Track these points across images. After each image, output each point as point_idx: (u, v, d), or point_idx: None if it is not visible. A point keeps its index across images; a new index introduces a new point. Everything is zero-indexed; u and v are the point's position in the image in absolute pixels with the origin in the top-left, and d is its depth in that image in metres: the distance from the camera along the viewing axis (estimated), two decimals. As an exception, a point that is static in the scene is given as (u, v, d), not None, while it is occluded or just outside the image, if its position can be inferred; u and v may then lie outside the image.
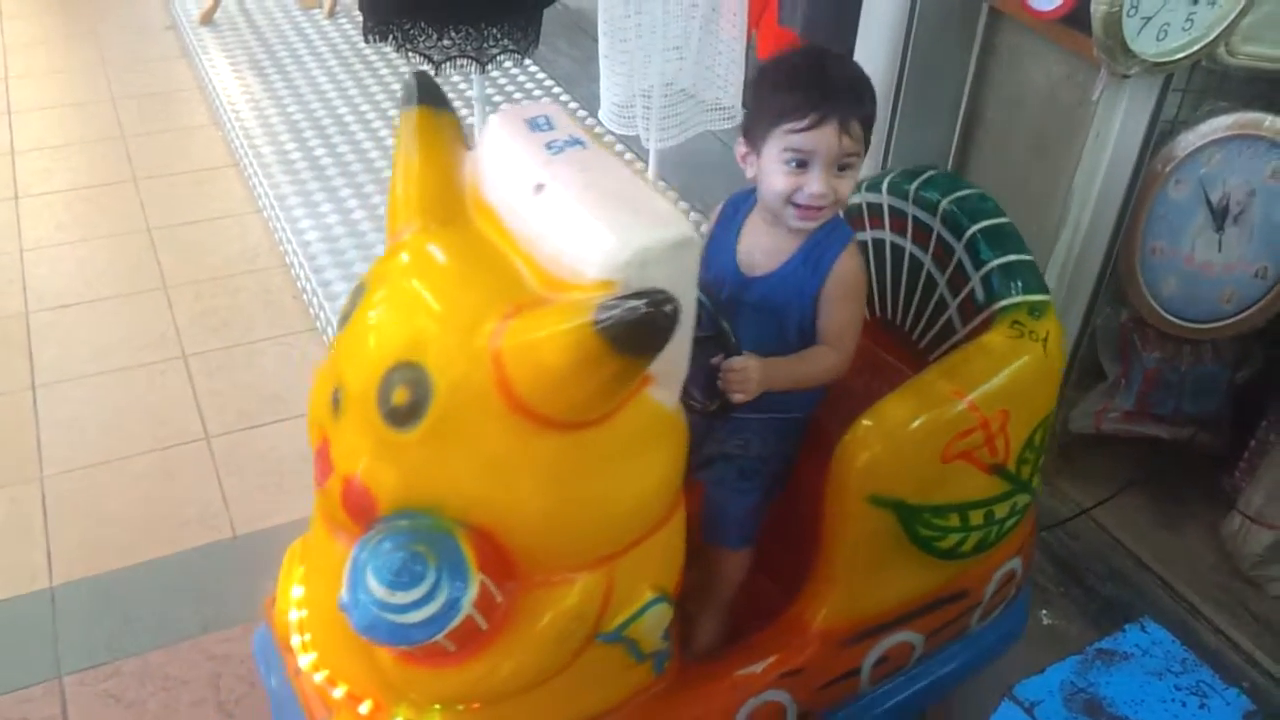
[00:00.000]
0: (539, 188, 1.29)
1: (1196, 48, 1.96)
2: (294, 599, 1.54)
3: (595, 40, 2.93)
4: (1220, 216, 2.22)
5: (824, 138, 1.47)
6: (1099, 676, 1.19)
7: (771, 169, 1.52)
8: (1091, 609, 2.29)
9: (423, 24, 2.72)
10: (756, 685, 1.61)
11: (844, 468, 1.54)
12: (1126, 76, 1.99)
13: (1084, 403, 2.51)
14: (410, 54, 2.79)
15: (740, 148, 1.58)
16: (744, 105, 1.59)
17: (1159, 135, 2.13)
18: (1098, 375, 2.50)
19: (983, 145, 2.42)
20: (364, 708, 1.43)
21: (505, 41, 2.82)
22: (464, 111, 4.09)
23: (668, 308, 1.11)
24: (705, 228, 1.73)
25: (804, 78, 1.50)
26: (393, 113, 4.17)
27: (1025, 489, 1.66)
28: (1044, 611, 2.28)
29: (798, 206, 1.52)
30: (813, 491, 1.62)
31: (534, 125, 1.36)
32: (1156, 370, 2.41)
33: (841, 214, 1.62)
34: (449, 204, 1.40)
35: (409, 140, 1.43)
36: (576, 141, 1.34)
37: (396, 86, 4.38)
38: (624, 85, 2.91)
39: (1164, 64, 1.97)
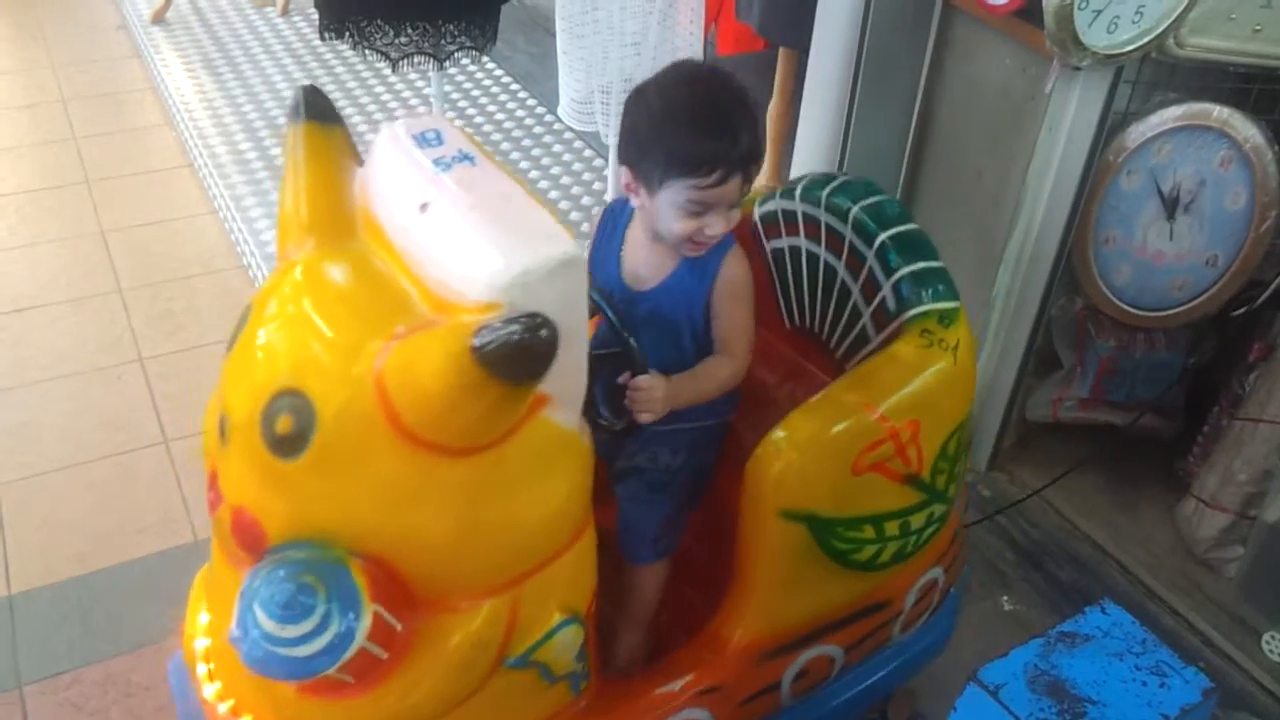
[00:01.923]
0: (424, 206, 1.26)
1: (1146, 40, 1.99)
2: (200, 626, 1.51)
3: (553, 36, 2.92)
4: (1171, 206, 2.25)
5: (728, 190, 1.45)
6: (1061, 658, 1.21)
7: (668, 213, 1.48)
8: (1051, 594, 2.32)
9: (379, 21, 2.70)
10: (675, 703, 1.60)
11: (755, 482, 1.53)
12: (1078, 69, 2.02)
13: (1040, 391, 2.55)
14: (367, 51, 2.78)
15: (624, 177, 1.53)
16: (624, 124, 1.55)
17: (1110, 126, 2.16)
18: (1054, 364, 2.53)
19: (938, 138, 2.45)
20: None
21: (463, 39, 2.81)
22: (422, 109, 4.08)
23: (543, 332, 1.09)
24: (589, 227, 1.72)
25: (707, 131, 1.43)
26: (349, 110, 4.14)
27: (941, 499, 1.65)
28: (1005, 598, 2.31)
29: (694, 242, 1.51)
30: (733, 503, 1.61)
31: (422, 140, 1.32)
32: (1111, 358, 2.45)
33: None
34: (338, 222, 1.36)
35: (296, 156, 1.38)
36: (465, 157, 1.30)
37: (352, 85, 4.35)
38: (582, 81, 2.91)
39: (1115, 56, 2.00)
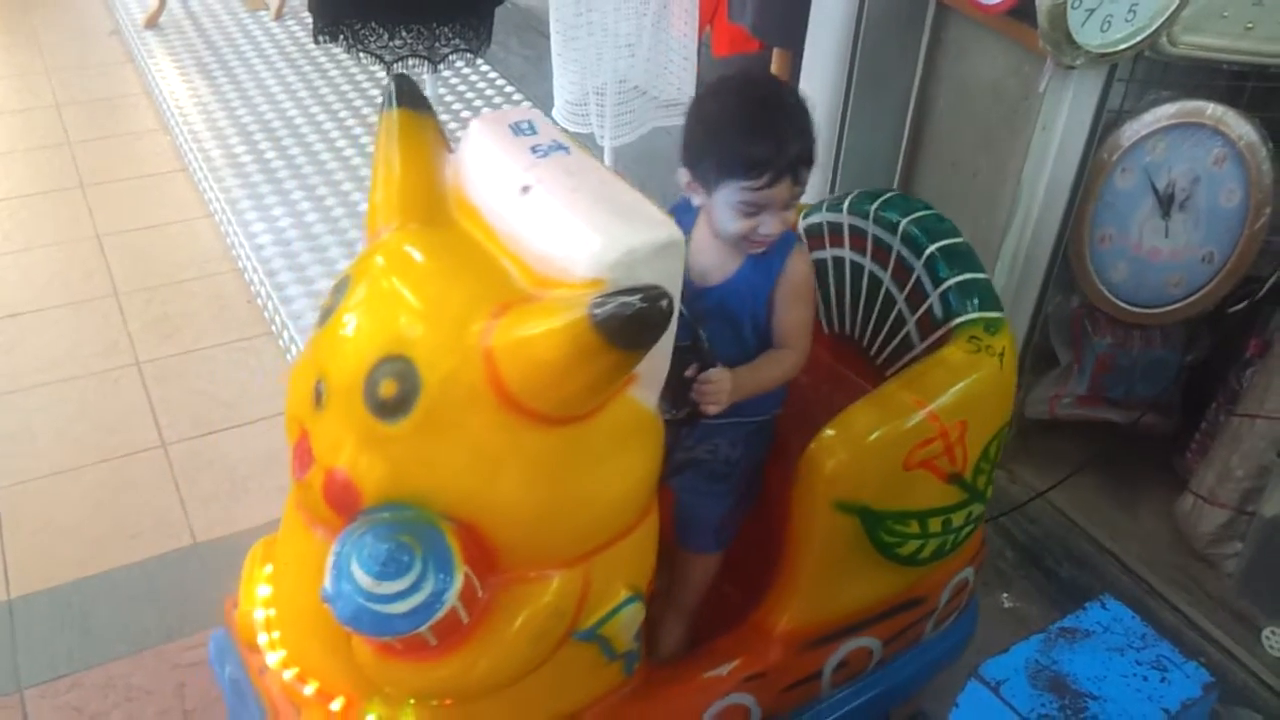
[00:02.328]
0: (525, 189, 1.32)
1: (1139, 38, 1.99)
2: (259, 598, 1.54)
3: (547, 38, 2.92)
4: (1166, 203, 2.26)
5: (779, 192, 1.50)
6: (1062, 654, 1.22)
7: (724, 213, 1.54)
8: (1051, 590, 2.32)
9: (373, 24, 2.71)
10: (722, 688, 1.64)
11: (811, 474, 1.58)
12: (1072, 68, 2.03)
13: (1038, 389, 2.55)
14: (361, 54, 2.78)
15: (684, 176, 1.59)
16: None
17: (1105, 125, 2.17)
18: (1051, 362, 2.54)
19: (933, 138, 2.45)
20: (335, 705, 1.43)
21: (457, 41, 2.81)
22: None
23: (663, 302, 1.15)
24: None
25: (758, 132, 1.50)
26: (343, 114, 4.14)
27: (980, 498, 1.72)
28: (1005, 595, 2.31)
29: (751, 240, 1.56)
30: (774, 499, 1.66)
31: (517, 130, 1.39)
32: (1108, 355, 2.45)
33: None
34: (431, 205, 1.42)
35: (389, 142, 1.44)
36: (560, 147, 1.37)
37: (346, 88, 4.35)
38: (577, 83, 2.91)
39: (1108, 55, 2.00)
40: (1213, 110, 2.17)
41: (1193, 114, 2.18)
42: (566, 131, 1.44)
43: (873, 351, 1.86)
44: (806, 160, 1.52)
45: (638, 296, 1.14)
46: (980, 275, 1.75)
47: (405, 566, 1.20)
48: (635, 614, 1.44)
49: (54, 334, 3.07)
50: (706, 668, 1.65)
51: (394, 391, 1.25)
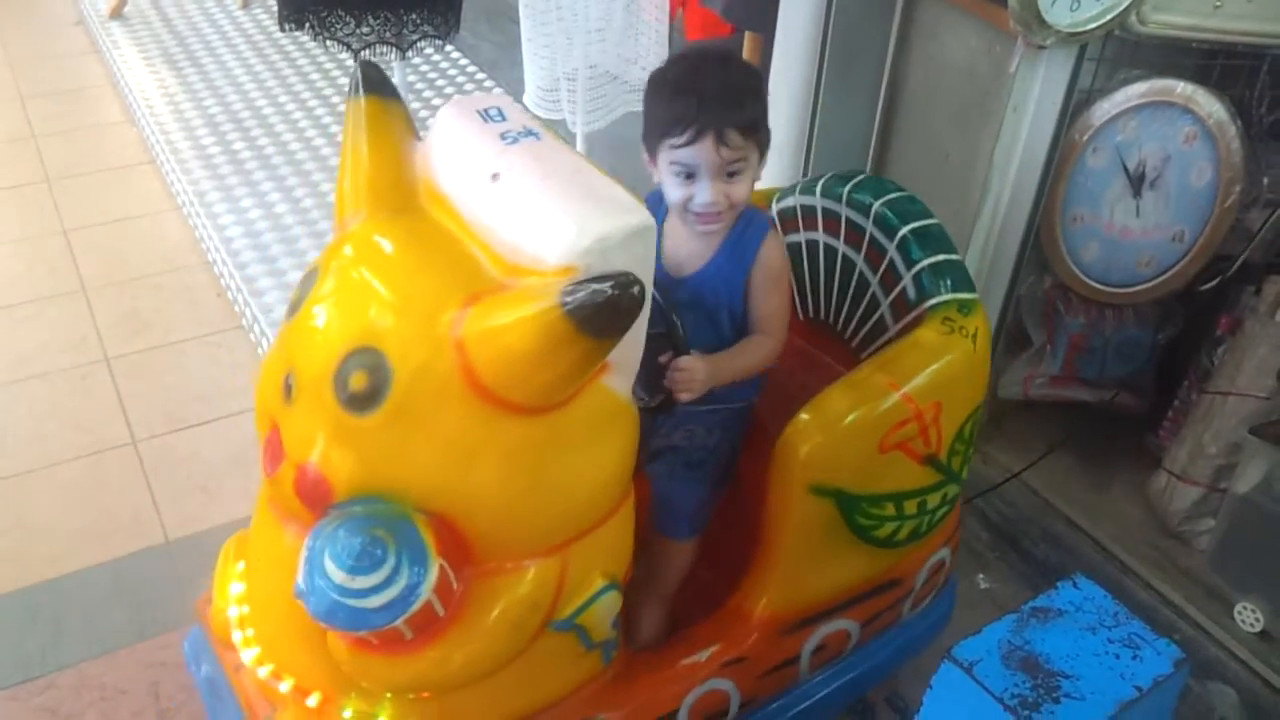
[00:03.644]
0: (495, 176, 1.31)
1: (1109, 17, 1.99)
2: (233, 595, 1.53)
3: (518, 24, 2.90)
4: (1137, 183, 2.27)
5: (702, 152, 1.48)
6: (1034, 634, 1.22)
7: (666, 179, 1.54)
8: (1027, 571, 2.33)
9: (340, 11, 2.68)
10: (701, 674, 1.64)
11: (787, 458, 1.58)
12: (1042, 47, 2.03)
13: (1012, 369, 2.56)
14: (327, 42, 2.75)
15: (644, 154, 1.59)
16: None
17: (1075, 105, 2.17)
18: (1024, 343, 2.55)
19: (905, 119, 2.45)
20: (312, 700, 1.42)
21: (425, 27, 2.78)
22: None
23: (634, 289, 1.15)
24: None
25: (679, 90, 1.50)
26: (312, 103, 4.10)
27: (955, 479, 1.72)
28: (980, 576, 2.32)
29: (695, 214, 1.54)
30: (751, 484, 1.66)
31: (487, 116, 1.38)
32: (1081, 335, 2.46)
33: (771, 210, 1.64)
34: (400, 193, 1.41)
35: (357, 130, 1.43)
36: (530, 133, 1.36)
37: (315, 76, 4.31)
38: (547, 69, 2.89)
39: (1078, 34, 2.00)
40: (1182, 89, 2.18)
41: (1163, 93, 2.18)
42: (537, 117, 1.43)
43: (847, 335, 1.86)
44: (740, 126, 1.49)
45: (609, 284, 1.13)
46: (953, 256, 1.74)
47: (379, 560, 1.19)
48: (612, 602, 1.44)
49: (22, 331, 3.03)
50: (685, 654, 1.65)
51: (365, 384, 1.24)
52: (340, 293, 1.33)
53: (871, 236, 1.77)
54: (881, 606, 1.80)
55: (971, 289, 1.73)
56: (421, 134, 1.48)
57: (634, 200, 1.28)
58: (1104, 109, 2.19)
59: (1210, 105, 2.18)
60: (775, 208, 1.91)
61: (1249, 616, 2.17)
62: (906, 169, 2.48)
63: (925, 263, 1.71)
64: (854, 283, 1.82)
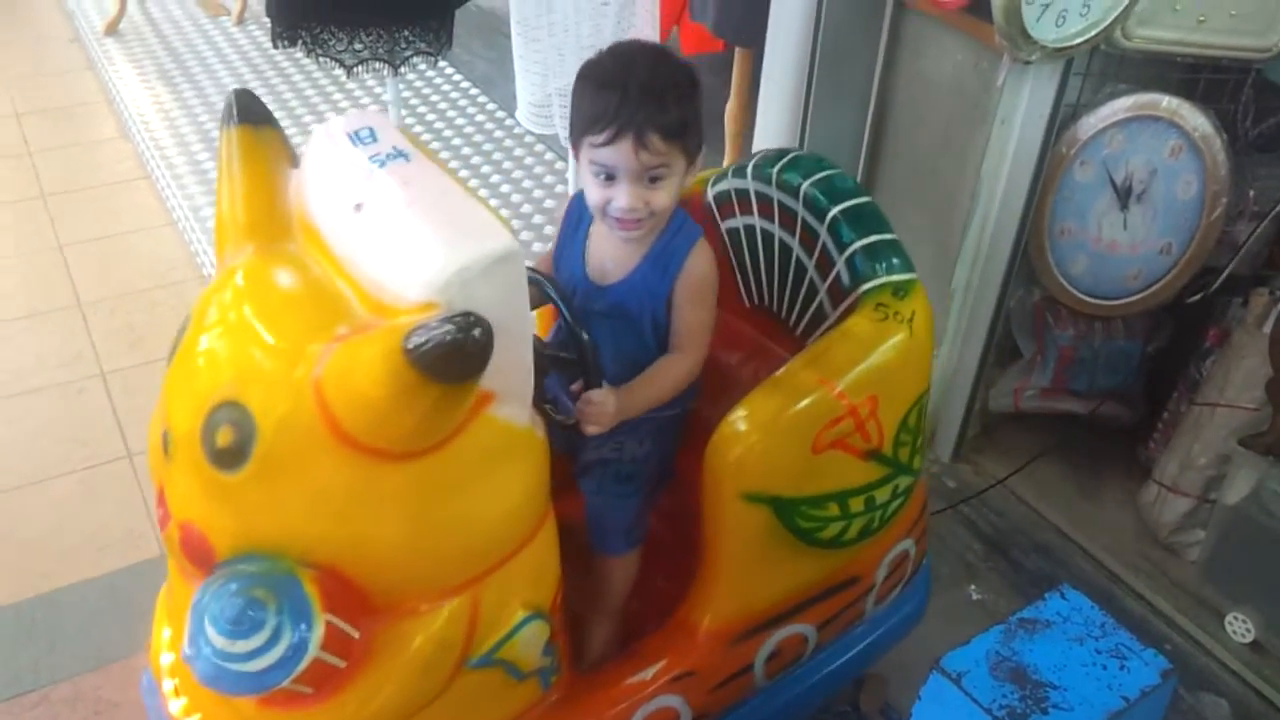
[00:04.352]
0: (359, 206, 1.25)
1: (1094, 32, 2.02)
2: (164, 641, 1.50)
3: (510, 39, 2.92)
4: (1124, 196, 2.29)
5: (621, 154, 1.41)
6: (1022, 645, 1.23)
7: (585, 179, 1.48)
8: (1019, 582, 2.34)
9: (333, 28, 2.69)
10: (648, 691, 1.60)
11: (715, 466, 1.52)
12: (1028, 63, 2.05)
13: (1002, 382, 2.57)
14: (321, 58, 2.77)
15: (572, 151, 1.52)
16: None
17: (1062, 119, 2.19)
18: (1015, 355, 2.56)
19: (894, 134, 2.47)
20: None
21: (418, 44, 2.80)
22: (374, 108, 4.06)
23: (476, 331, 1.08)
24: (552, 230, 1.71)
25: (603, 84, 1.42)
26: (307, 119, 4.12)
27: (906, 471, 1.65)
28: (972, 587, 2.33)
29: (615, 219, 1.47)
30: (696, 487, 1.59)
31: (356, 139, 1.30)
32: (1071, 348, 2.48)
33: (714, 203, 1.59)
34: (275, 225, 1.35)
35: (231, 161, 1.37)
36: (400, 154, 1.28)
37: (310, 92, 4.33)
38: (539, 84, 2.90)
39: (1063, 49, 2.02)
40: (1168, 103, 2.20)
41: (1148, 106, 2.20)
42: (409, 135, 1.35)
43: (791, 322, 1.78)
44: (663, 129, 1.40)
45: (452, 327, 1.07)
46: (887, 236, 1.65)
47: (258, 623, 1.15)
48: (536, 632, 1.39)
49: (17, 345, 3.04)
50: (631, 672, 1.61)
51: (230, 440, 1.19)
52: (208, 340, 1.28)
53: (803, 219, 1.68)
54: (839, 606, 1.75)
55: (909, 269, 1.64)
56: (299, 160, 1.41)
57: (498, 224, 1.21)
58: (1090, 123, 2.21)
59: (1195, 119, 2.20)
60: (710, 192, 1.82)
61: (1240, 627, 2.18)
62: (896, 184, 2.50)
63: (858, 245, 1.62)
64: (792, 268, 1.74)
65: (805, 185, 1.67)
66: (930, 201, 2.40)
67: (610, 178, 1.44)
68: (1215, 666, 2.16)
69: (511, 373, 1.24)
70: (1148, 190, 2.27)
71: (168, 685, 1.47)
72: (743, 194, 1.77)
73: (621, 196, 1.44)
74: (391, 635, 1.28)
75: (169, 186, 3.69)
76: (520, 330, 1.24)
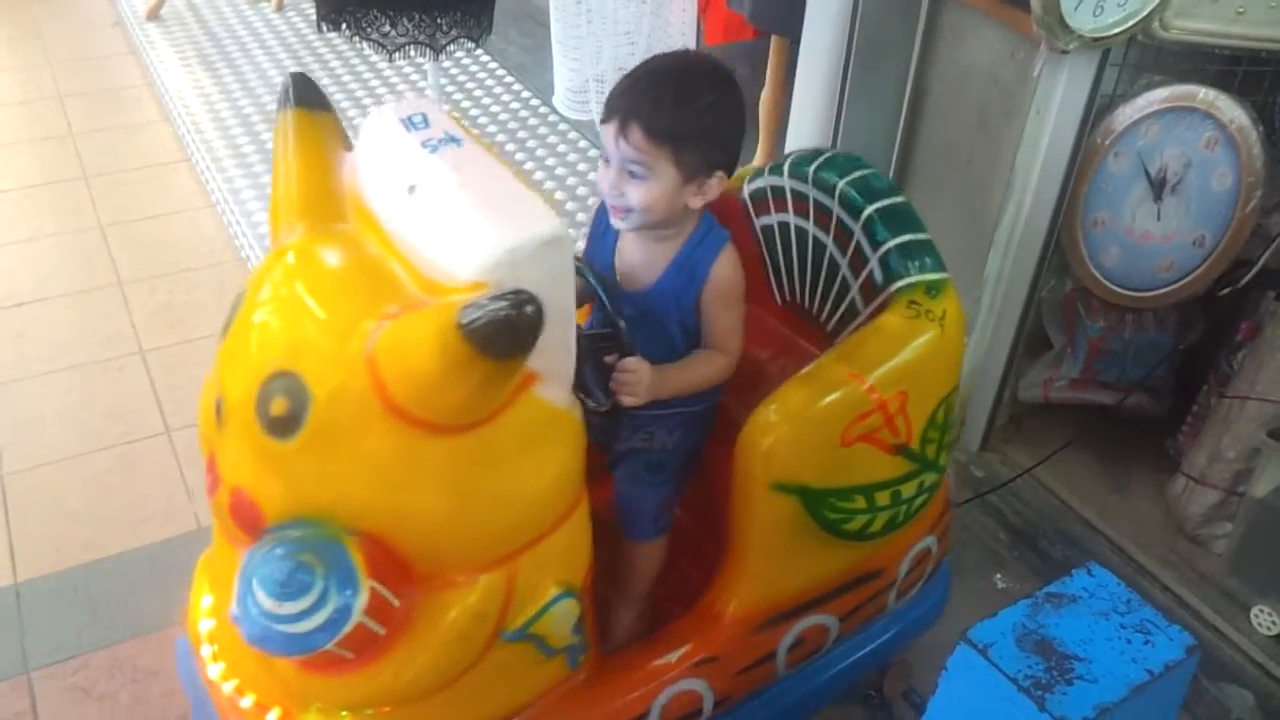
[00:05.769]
0: (412, 188, 1.29)
1: (1132, 23, 2.02)
2: (203, 609, 1.54)
3: (547, 28, 2.95)
4: (1159, 187, 2.28)
5: (607, 136, 1.47)
6: (1048, 618, 1.24)
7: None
8: (1044, 571, 2.35)
9: (375, 12, 2.73)
10: (671, 674, 1.63)
11: (745, 457, 1.55)
12: (1065, 52, 2.05)
13: (1032, 372, 2.57)
14: (363, 42, 2.80)
15: None
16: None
17: (1098, 109, 2.19)
18: (1045, 345, 2.56)
19: (929, 123, 2.48)
20: (272, 716, 1.43)
21: (458, 29, 2.83)
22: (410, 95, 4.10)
23: (528, 308, 1.11)
24: (585, 217, 1.74)
25: (632, 72, 1.50)
26: (344, 104, 4.16)
27: (931, 467, 1.67)
28: (998, 575, 2.34)
29: (612, 207, 1.52)
30: (725, 478, 1.62)
31: (409, 124, 1.34)
32: (1101, 339, 2.48)
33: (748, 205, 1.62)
34: (329, 206, 1.39)
35: (286, 143, 1.42)
36: (452, 139, 1.32)
37: (347, 78, 4.37)
38: (577, 71, 2.94)
39: (1101, 39, 2.03)
40: (1204, 94, 2.19)
41: (1185, 98, 2.20)
42: (460, 121, 1.39)
43: (823, 319, 1.81)
44: (648, 127, 1.44)
45: (506, 304, 1.10)
46: (921, 236, 1.67)
47: (306, 586, 1.19)
48: (567, 610, 1.42)
49: (59, 323, 3.10)
50: (656, 655, 1.63)
51: (284, 409, 1.23)
52: (263, 314, 1.32)
53: (838, 217, 1.71)
54: (862, 599, 1.77)
55: (941, 269, 1.67)
56: (353, 144, 1.45)
57: (547, 209, 1.24)
58: (1126, 114, 2.21)
59: (1232, 111, 2.20)
60: (746, 189, 1.84)
61: (1265, 620, 2.18)
62: (930, 173, 2.51)
63: (892, 243, 1.64)
64: (825, 265, 1.76)
65: (841, 184, 1.69)
66: (964, 190, 2.41)
67: (607, 161, 1.50)
68: (1240, 658, 2.16)
69: (555, 354, 1.27)
70: (1182, 182, 2.27)
71: (206, 651, 1.51)
72: (778, 192, 1.80)
73: (605, 181, 1.50)
74: (430, 605, 1.31)
75: (208, 169, 3.74)
76: (565, 313, 1.27)
